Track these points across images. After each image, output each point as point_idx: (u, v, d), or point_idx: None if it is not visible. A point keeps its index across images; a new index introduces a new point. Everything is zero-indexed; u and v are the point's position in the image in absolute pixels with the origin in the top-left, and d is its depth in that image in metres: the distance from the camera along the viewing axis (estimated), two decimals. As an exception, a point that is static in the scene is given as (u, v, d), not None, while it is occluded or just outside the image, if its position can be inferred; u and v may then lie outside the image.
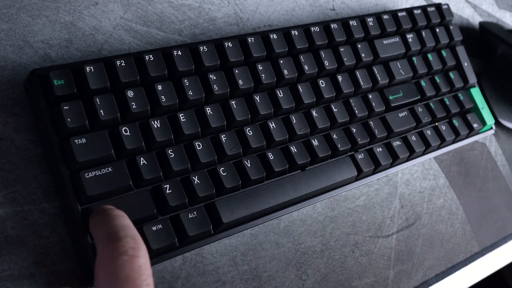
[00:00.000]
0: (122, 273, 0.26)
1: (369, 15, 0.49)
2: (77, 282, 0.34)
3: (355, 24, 0.47)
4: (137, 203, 0.34)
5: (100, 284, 0.27)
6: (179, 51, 0.38)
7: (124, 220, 0.29)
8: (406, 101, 0.49)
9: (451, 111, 0.52)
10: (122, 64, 0.35)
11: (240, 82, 0.40)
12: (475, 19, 0.64)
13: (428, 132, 0.49)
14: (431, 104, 0.51)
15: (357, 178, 0.44)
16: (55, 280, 0.33)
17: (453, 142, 0.52)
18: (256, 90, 0.41)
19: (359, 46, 0.47)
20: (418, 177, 0.52)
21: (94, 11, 0.40)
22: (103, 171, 0.33)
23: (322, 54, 0.44)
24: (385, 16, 0.49)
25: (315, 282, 0.43)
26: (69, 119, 0.32)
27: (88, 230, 0.32)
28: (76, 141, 0.33)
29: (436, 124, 0.51)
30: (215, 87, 0.38)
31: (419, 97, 0.50)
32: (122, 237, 0.28)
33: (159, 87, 0.36)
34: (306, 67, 0.43)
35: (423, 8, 0.53)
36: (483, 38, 0.61)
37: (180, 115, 0.37)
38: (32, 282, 0.32)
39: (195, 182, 0.36)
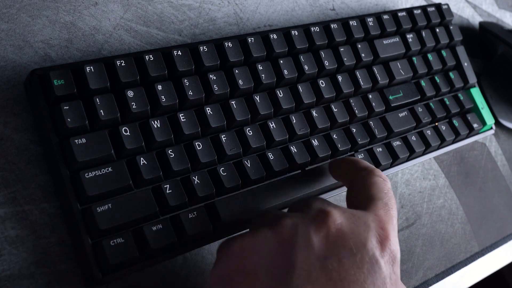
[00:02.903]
0: (378, 186, 0.34)
1: (369, 15, 0.49)
2: (77, 282, 0.34)
3: (355, 24, 0.47)
4: (138, 203, 0.34)
5: (355, 196, 0.35)
6: (179, 51, 0.38)
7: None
8: (406, 101, 0.49)
9: (451, 111, 0.52)
10: (122, 64, 0.35)
11: (240, 82, 0.40)
12: (475, 19, 0.64)
13: (428, 132, 0.49)
14: (431, 104, 0.51)
15: (357, 178, 0.44)
16: (55, 280, 0.33)
17: (453, 142, 0.52)
18: (256, 90, 0.41)
19: (359, 46, 0.47)
20: (418, 177, 0.52)
21: (94, 11, 0.40)
22: (103, 171, 0.33)
23: (322, 54, 0.44)
24: (385, 16, 0.49)
25: (315, 282, 0.43)
26: (69, 119, 0.33)
27: (88, 231, 0.32)
28: (76, 141, 0.33)
29: (436, 124, 0.51)
30: (215, 87, 0.38)
31: (419, 97, 0.50)
32: (375, 168, 0.36)
33: (159, 87, 0.36)
34: (306, 67, 0.43)
35: (423, 8, 0.53)
36: (483, 38, 0.61)
37: (180, 115, 0.37)
38: (32, 282, 0.32)
39: (195, 182, 0.36)
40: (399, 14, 0.50)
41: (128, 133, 0.34)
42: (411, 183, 0.51)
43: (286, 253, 0.29)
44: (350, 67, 0.46)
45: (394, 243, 0.31)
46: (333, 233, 0.30)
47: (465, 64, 0.55)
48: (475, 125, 0.53)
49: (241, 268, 0.29)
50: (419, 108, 0.49)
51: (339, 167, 0.39)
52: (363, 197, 0.34)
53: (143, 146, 0.35)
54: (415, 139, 0.48)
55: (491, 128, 0.56)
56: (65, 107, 0.33)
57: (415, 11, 0.52)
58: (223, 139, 0.38)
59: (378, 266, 0.29)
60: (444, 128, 0.50)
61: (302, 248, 0.29)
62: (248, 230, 0.35)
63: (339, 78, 0.45)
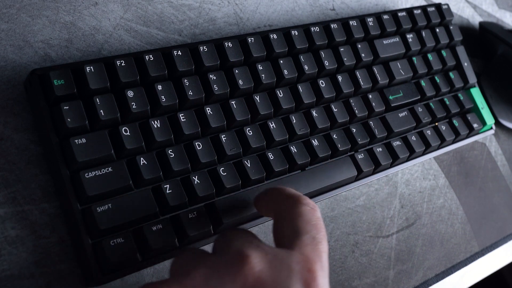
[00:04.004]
0: (305, 217, 0.30)
1: (369, 15, 0.49)
2: (77, 282, 0.34)
3: (355, 24, 0.47)
4: (138, 203, 0.34)
5: (281, 230, 0.31)
6: (179, 51, 0.38)
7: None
8: (406, 101, 0.49)
9: (451, 111, 0.52)
10: (122, 64, 0.35)
11: (240, 82, 0.40)
12: (475, 19, 0.64)
13: (428, 132, 0.49)
14: (431, 104, 0.51)
15: (357, 178, 0.44)
16: (55, 280, 0.33)
17: (453, 142, 0.52)
18: (256, 90, 0.41)
19: (359, 46, 0.47)
20: (418, 177, 0.52)
21: (94, 11, 0.40)
22: (103, 171, 0.33)
23: (322, 54, 0.44)
24: (385, 16, 0.49)
25: (315, 282, 0.43)
26: (69, 119, 0.33)
27: (88, 231, 0.32)
28: (76, 141, 0.33)
29: (436, 124, 0.51)
30: (215, 87, 0.38)
31: (419, 97, 0.50)
32: (301, 195, 0.32)
33: (159, 87, 0.36)
34: (306, 67, 0.43)
35: (423, 8, 0.53)
36: (483, 38, 0.61)
37: (180, 115, 0.37)
38: (32, 282, 0.32)
39: (195, 182, 0.36)
40: (399, 14, 0.50)
41: (128, 133, 0.34)
42: (411, 183, 0.51)
43: None
44: (350, 67, 0.46)
45: (323, 285, 0.28)
46: (250, 283, 0.26)
47: (465, 64, 0.55)
48: (475, 125, 0.53)
49: None
50: (419, 108, 0.49)
51: (263, 199, 0.34)
52: (288, 232, 0.30)
53: (143, 146, 0.35)
54: (415, 139, 0.48)
55: (491, 128, 0.56)
56: (65, 107, 0.33)
57: (415, 11, 0.52)
58: (223, 139, 0.38)
59: None
60: (444, 128, 0.50)
61: None
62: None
63: (339, 78, 0.45)
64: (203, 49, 0.39)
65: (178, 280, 0.27)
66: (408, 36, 0.50)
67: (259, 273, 0.27)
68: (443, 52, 0.53)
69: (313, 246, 0.29)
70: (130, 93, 0.35)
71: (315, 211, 0.31)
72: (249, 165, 0.38)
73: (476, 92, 0.55)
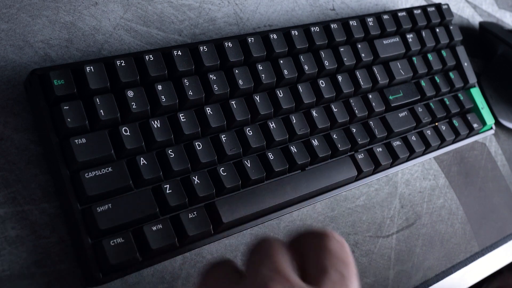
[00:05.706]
0: (333, 253, 0.28)
1: (369, 15, 0.49)
2: (77, 282, 0.34)
3: (355, 24, 0.47)
4: (138, 203, 0.34)
5: (306, 268, 0.28)
6: (179, 51, 0.38)
7: None
8: (406, 101, 0.49)
9: (451, 111, 0.52)
10: (122, 64, 0.35)
11: (240, 82, 0.40)
12: (475, 19, 0.64)
13: (428, 132, 0.49)
14: (431, 104, 0.51)
15: (357, 178, 0.44)
16: (55, 280, 0.33)
17: (453, 142, 0.52)
18: (256, 90, 0.41)
19: (359, 46, 0.47)
20: (418, 177, 0.52)
21: (94, 11, 0.40)
22: (103, 171, 0.33)
23: (322, 54, 0.44)
24: (385, 16, 0.49)
25: (315, 282, 0.43)
26: (69, 119, 0.33)
27: (88, 231, 0.32)
28: (76, 141, 0.33)
29: (436, 124, 0.51)
30: (215, 87, 0.38)
31: (419, 97, 0.50)
32: (331, 232, 0.30)
33: (159, 87, 0.36)
34: (306, 67, 0.43)
35: (423, 8, 0.53)
36: (483, 38, 0.61)
37: (180, 115, 0.37)
38: (32, 282, 0.32)
39: (195, 182, 0.36)
40: (399, 14, 0.50)
41: (128, 133, 0.34)
42: (411, 183, 0.51)
43: None
44: (350, 67, 0.46)
45: None
46: None
47: (465, 64, 0.55)
48: (475, 125, 0.53)
49: None
50: (419, 108, 0.49)
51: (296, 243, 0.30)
52: (316, 269, 0.28)
53: (143, 146, 0.35)
54: (415, 139, 0.48)
55: (491, 128, 0.56)
56: (65, 107, 0.33)
57: (415, 11, 0.52)
58: (223, 139, 0.38)
59: None
60: (444, 128, 0.50)
61: None
62: None
63: (339, 78, 0.45)
64: (203, 49, 0.39)
65: None
66: (408, 36, 0.50)
67: None
68: (443, 52, 0.53)
69: (341, 284, 0.27)
70: (130, 93, 0.35)
71: (345, 247, 0.29)
72: (249, 165, 0.38)
73: (476, 92, 0.55)
